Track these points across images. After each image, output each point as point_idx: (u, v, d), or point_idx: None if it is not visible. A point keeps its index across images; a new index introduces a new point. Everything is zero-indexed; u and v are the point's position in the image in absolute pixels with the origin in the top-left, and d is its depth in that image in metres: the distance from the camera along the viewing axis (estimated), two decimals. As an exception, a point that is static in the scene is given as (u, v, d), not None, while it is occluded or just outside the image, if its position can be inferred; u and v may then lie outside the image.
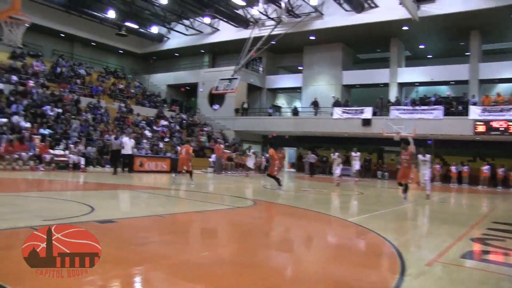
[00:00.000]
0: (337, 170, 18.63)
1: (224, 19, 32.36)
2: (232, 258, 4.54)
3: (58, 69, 30.09)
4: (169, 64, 41.14)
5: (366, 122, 27.45)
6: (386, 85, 30.95)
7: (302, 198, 12.86)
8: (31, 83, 25.12)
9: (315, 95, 32.49)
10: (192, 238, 5.83)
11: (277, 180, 13.91)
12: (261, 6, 29.10)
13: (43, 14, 29.24)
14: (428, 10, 25.08)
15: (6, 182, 11.02)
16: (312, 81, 34.25)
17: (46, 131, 19.79)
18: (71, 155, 18.48)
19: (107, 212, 6.92)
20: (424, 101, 27.15)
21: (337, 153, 18.99)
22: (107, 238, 4.96)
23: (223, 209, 8.59)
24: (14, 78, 25.02)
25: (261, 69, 37.77)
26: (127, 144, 18.28)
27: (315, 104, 31.52)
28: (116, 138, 18.65)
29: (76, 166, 18.37)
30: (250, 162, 25.40)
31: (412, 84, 32.49)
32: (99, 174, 17.40)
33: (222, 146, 25.53)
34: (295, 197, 12.67)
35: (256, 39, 28.45)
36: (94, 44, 37.28)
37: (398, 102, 27.87)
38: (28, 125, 19.50)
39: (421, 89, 32.98)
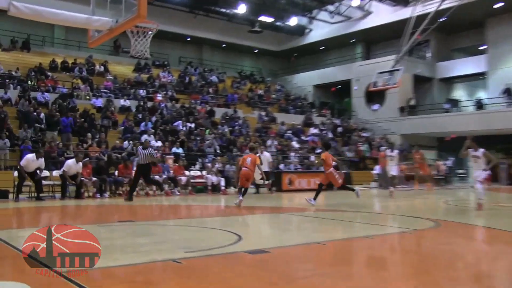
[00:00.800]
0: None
1: None
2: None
3: (187, 78, 33.43)
4: (314, 61, 42.44)
5: None
6: None
7: (502, 216, 12.21)
8: (159, 97, 28.59)
9: (507, 80, 31.13)
10: (362, 270, 5.89)
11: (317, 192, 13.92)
12: None
13: (166, 18, 31.44)
14: None
15: (141, 210, 12.41)
16: (501, 63, 32.62)
17: (179, 150, 21.83)
18: (209, 176, 19.91)
19: (257, 241, 7.45)
20: None
21: None
22: (261, 271, 5.33)
23: (396, 233, 8.70)
24: (142, 92, 29.27)
25: (429, 55, 36.98)
26: (263, 159, 18.81)
27: (508, 92, 30.31)
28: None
29: (215, 188, 19.71)
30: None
31: None
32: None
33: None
34: (492, 215, 11.92)
35: (420, 18, 27.92)
36: (225, 45, 40.36)
37: None
38: (159, 144, 21.68)
39: None
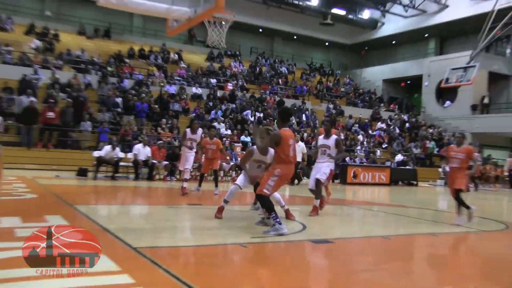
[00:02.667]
0: None
1: None
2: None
3: (258, 69, 33.82)
4: (385, 55, 41.84)
5: None
6: None
7: None
8: (230, 86, 29.11)
9: None
10: (427, 267, 5.84)
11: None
12: None
13: (239, 9, 32.56)
14: None
15: (209, 194, 12.40)
16: None
17: (248, 139, 22.20)
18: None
19: (321, 231, 7.42)
20: None
21: None
22: (324, 260, 5.47)
23: (462, 233, 8.41)
24: (213, 81, 29.76)
25: (508, 51, 35.51)
26: (297, 150, 19.72)
27: None
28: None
29: None
30: None
31: None
32: (306, 187, 19.49)
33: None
34: None
35: (502, 12, 26.84)
36: (296, 37, 40.39)
37: None
38: (228, 132, 22.45)
39: None
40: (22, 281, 3.71)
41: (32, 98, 19.65)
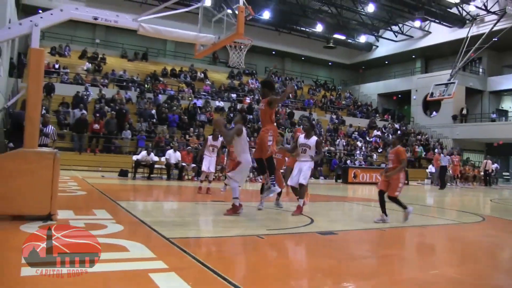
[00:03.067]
0: None
1: (436, 20, 31.49)
2: (465, 279, 4.28)
3: None
4: (379, 73, 41.67)
5: None
6: None
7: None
8: (247, 99, 29.46)
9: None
10: (416, 254, 5.77)
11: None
12: (479, 1, 27.60)
13: (256, 35, 33.16)
14: None
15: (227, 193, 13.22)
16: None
17: None
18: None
19: (327, 224, 7.34)
20: None
21: None
22: (329, 249, 5.34)
23: (446, 225, 8.37)
24: (234, 96, 30.15)
25: (481, 70, 35.48)
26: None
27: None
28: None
29: None
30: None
31: None
32: (314, 186, 19.34)
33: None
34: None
35: (474, 38, 27.01)
36: (303, 58, 40.30)
37: None
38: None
39: None
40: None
41: (83, 111, 19.88)
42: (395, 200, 7.60)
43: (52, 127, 10.49)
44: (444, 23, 32.10)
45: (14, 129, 8.36)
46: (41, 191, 5.59)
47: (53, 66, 25.03)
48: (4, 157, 6.02)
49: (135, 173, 16.22)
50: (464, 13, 31.08)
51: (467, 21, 30.85)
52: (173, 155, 16.86)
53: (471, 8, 30.17)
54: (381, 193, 7.73)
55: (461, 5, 30.58)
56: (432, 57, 38.29)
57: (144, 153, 16.55)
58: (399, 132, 32.85)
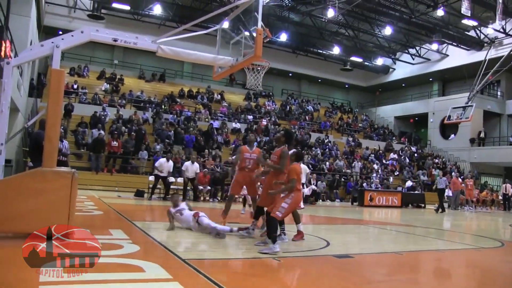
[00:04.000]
0: None
1: (454, 43, 31.43)
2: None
3: (288, 107, 33.98)
4: (396, 95, 41.54)
5: None
6: None
7: None
8: (264, 121, 29.61)
9: None
10: (433, 279, 5.67)
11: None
12: (497, 24, 27.42)
13: (273, 57, 33.17)
14: None
15: (242, 214, 11.99)
16: None
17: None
18: (304, 190, 21.15)
19: (343, 247, 7.31)
20: None
21: None
22: (345, 273, 5.27)
23: (464, 249, 8.20)
24: (250, 117, 30.33)
25: (499, 93, 35.22)
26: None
27: None
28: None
29: (305, 199, 19.13)
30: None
31: None
32: (329, 209, 18.83)
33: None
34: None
35: (492, 60, 26.78)
36: (320, 80, 40.40)
37: None
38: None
39: None
40: (91, 283, 3.73)
41: (101, 131, 20.10)
42: (271, 221, 6.22)
43: (66, 142, 10.61)
44: (461, 46, 31.95)
45: (34, 149, 8.48)
46: (59, 210, 5.67)
47: (72, 86, 25.47)
48: (23, 176, 6.11)
49: (152, 193, 16.14)
50: (482, 36, 30.91)
51: (485, 44, 30.65)
52: (190, 168, 16.33)
53: (489, 31, 29.97)
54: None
55: (479, 28, 30.44)
56: (450, 80, 38.02)
57: (163, 160, 16.24)
58: (416, 155, 32.57)
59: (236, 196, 8.95)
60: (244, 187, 8.77)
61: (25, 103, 20.70)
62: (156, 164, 16.56)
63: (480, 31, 30.74)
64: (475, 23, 29.13)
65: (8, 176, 6.49)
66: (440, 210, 19.56)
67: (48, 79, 22.89)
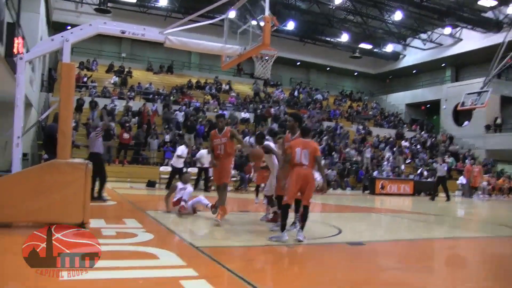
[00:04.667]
0: None
1: (469, 27, 30.98)
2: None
3: (297, 94, 34.33)
4: (407, 82, 41.18)
5: None
6: None
7: None
8: (273, 110, 29.71)
9: None
10: (448, 266, 5.70)
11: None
12: None
13: (281, 46, 32.87)
14: None
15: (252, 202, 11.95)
16: None
17: None
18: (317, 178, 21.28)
19: (355, 235, 7.34)
20: None
21: None
22: (358, 260, 5.31)
23: (480, 237, 8.18)
24: (259, 107, 29.91)
25: (518, 77, 34.94)
26: None
27: None
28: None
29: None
30: None
31: None
32: (340, 197, 18.87)
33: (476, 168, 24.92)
34: None
35: (511, 43, 27.08)
36: (329, 69, 40.28)
37: None
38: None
39: None
40: (108, 270, 3.86)
41: (111, 124, 20.32)
42: (282, 208, 6.35)
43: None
44: (477, 29, 31.35)
45: (48, 141, 8.68)
46: (74, 200, 5.83)
47: (82, 79, 25.71)
48: (39, 168, 6.28)
49: (196, 186, 15.97)
50: (501, 17, 30.08)
51: (504, 25, 29.73)
52: (206, 156, 15.43)
53: (509, 10, 29.17)
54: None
55: (497, 9, 29.75)
56: (463, 65, 37.50)
57: (204, 151, 15.96)
58: (428, 142, 32.37)
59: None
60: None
61: (37, 98, 21.04)
62: (197, 155, 16.71)
63: (500, 12, 30.00)
64: (493, 3, 28.45)
65: (25, 169, 6.66)
66: (433, 198, 18.84)
67: (59, 73, 23.19)
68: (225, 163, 7.53)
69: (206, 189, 16.27)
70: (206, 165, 15.85)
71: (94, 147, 9.98)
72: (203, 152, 16.42)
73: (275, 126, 25.60)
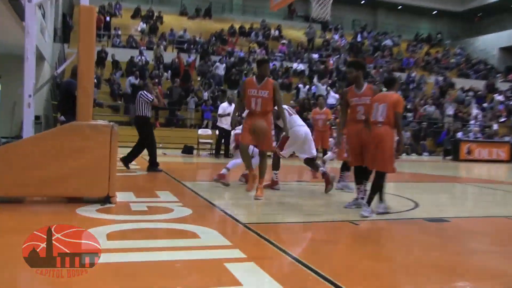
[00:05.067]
0: None
1: None
2: None
3: (360, 39, 33.75)
4: (503, 20, 39.27)
5: None
6: None
7: None
8: (332, 61, 29.37)
9: None
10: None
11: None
12: None
13: None
14: None
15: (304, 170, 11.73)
16: None
17: None
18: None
19: (435, 209, 7.13)
20: None
21: None
22: (440, 240, 5.11)
23: None
24: (315, 56, 29.94)
25: None
26: None
27: None
28: None
29: None
30: None
31: None
32: (416, 164, 18.62)
33: None
34: None
35: None
36: (401, 7, 39.39)
37: None
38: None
39: None
40: (139, 251, 3.88)
41: (140, 79, 20.58)
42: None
43: None
44: None
45: (64, 100, 8.74)
46: (98, 170, 5.87)
47: (104, 26, 25.95)
48: (56, 131, 6.35)
49: (218, 147, 16.03)
50: None
51: None
52: (228, 111, 15.02)
53: None
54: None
55: None
56: None
57: (225, 105, 15.66)
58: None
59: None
60: None
61: (51, 50, 21.44)
62: (219, 111, 16.00)
63: None
64: None
65: (38, 133, 6.74)
66: None
67: (75, 20, 23.52)
68: (263, 124, 6.94)
69: (227, 155, 15.42)
70: (224, 126, 15.12)
71: (140, 110, 10.10)
72: (224, 106, 15.67)
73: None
